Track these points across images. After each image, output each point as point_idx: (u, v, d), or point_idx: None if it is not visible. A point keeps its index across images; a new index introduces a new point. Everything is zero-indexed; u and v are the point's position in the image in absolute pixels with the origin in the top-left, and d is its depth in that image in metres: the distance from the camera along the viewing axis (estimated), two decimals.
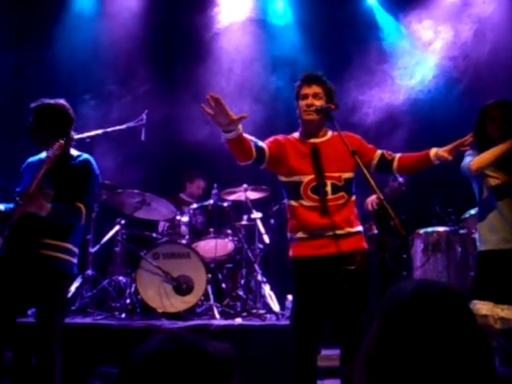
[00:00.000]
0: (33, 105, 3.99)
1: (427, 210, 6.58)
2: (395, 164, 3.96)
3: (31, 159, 4.16)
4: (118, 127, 6.30)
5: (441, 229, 6.11)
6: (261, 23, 8.52)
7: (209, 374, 1.23)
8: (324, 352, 5.00)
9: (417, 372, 1.33)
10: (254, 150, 3.70)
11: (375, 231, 6.48)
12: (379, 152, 4.00)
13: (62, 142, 3.80)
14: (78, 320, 5.51)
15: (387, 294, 1.46)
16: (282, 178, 3.93)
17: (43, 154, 4.01)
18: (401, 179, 4.86)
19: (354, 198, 3.92)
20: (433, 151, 3.87)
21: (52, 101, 4.00)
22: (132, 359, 1.25)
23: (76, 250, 3.97)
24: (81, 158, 4.00)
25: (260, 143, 3.79)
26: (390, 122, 7.99)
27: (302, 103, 3.86)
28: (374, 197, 5.96)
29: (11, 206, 3.92)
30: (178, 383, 1.21)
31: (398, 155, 3.99)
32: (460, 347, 1.35)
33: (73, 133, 4.06)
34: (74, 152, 4.05)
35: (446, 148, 3.86)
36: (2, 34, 7.46)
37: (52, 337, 3.78)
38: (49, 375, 3.74)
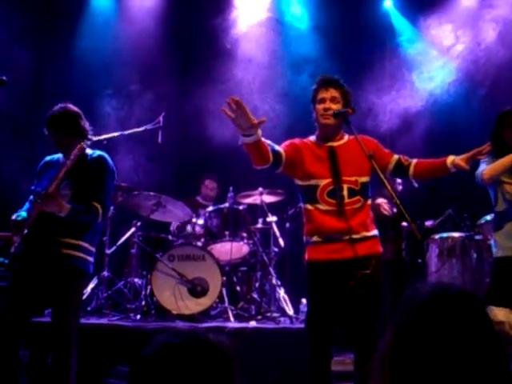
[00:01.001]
0: (53, 111, 4.06)
1: (442, 215, 6.56)
2: (411, 169, 3.95)
3: (48, 158, 4.22)
4: (135, 130, 6.33)
5: (456, 234, 6.09)
6: (279, 26, 8.54)
7: (213, 362, 1.27)
8: (337, 357, 5.00)
9: (432, 375, 1.33)
10: (270, 154, 3.70)
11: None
12: (396, 157, 3.99)
13: (82, 144, 3.88)
14: (94, 320, 5.56)
15: (404, 296, 1.46)
16: (299, 182, 3.93)
17: (60, 154, 4.12)
18: (415, 184, 4.85)
19: (369, 201, 3.92)
20: (450, 159, 3.85)
21: (62, 107, 4.07)
22: (140, 356, 1.28)
23: (93, 248, 4.04)
24: (95, 155, 4.07)
25: (277, 147, 3.79)
26: (407, 126, 7.98)
27: (320, 107, 3.84)
28: (380, 200, 5.98)
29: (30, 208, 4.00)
30: (184, 372, 1.24)
31: (414, 161, 3.98)
32: (477, 350, 1.35)
33: (85, 124, 4.13)
34: (88, 150, 4.10)
35: (463, 156, 3.83)
36: (24, 33, 7.51)
37: (68, 335, 3.82)
38: (64, 374, 3.78)
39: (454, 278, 5.93)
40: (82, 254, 3.93)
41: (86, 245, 3.96)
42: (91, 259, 4.02)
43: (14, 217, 3.95)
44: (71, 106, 4.12)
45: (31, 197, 4.13)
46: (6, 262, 3.94)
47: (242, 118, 3.36)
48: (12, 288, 3.91)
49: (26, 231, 3.90)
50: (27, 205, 4.13)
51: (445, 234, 6.15)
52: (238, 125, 3.40)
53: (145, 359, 1.27)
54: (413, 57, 8.36)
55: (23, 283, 3.87)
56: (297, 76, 8.05)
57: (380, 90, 8.07)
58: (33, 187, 4.17)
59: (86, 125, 4.14)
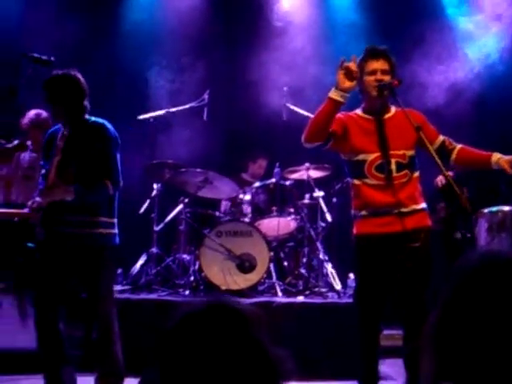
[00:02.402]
0: (49, 78, 3.90)
1: (493, 189, 6.43)
2: (454, 155, 3.87)
3: (51, 131, 4.13)
4: (180, 107, 6.37)
5: (506, 208, 5.96)
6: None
7: (234, 328, 1.27)
8: (386, 331, 4.98)
9: (484, 349, 1.31)
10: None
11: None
12: (441, 138, 3.91)
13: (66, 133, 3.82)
14: (144, 296, 5.64)
15: (455, 266, 1.44)
16: (346, 157, 3.90)
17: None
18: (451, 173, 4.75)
19: (417, 174, 3.87)
20: (495, 157, 3.76)
21: (60, 72, 3.91)
22: (164, 329, 1.30)
23: (113, 220, 3.98)
24: (95, 125, 3.95)
25: None
26: (458, 99, 7.81)
27: (371, 78, 3.77)
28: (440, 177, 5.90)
29: None
30: (207, 340, 1.24)
31: (458, 146, 3.90)
32: None
33: (87, 102, 3.97)
34: (88, 119, 3.98)
35: (508, 158, 3.73)
36: (72, 8, 7.57)
37: (105, 312, 3.88)
38: (107, 348, 3.86)
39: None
40: (101, 230, 3.90)
41: (104, 219, 3.91)
42: (114, 231, 3.99)
43: (29, 203, 3.92)
44: (81, 79, 3.95)
45: (42, 171, 4.05)
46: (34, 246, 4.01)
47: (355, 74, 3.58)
48: (41, 274, 3.91)
49: (41, 216, 3.88)
50: (41, 182, 4.04)
51: (494, 208, 6.02)
52: (351, 77, 3.57)
53: (168, 332, 1.29)
54: (462, 27, 8.14)
55: (51, 268, 3.86)
56: (345, 46, 7.91)
57: (428, 63, 7.89)
58: (41, 163, 4.13)
59: (88, 103, 4.00)
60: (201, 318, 1.29)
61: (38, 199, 3.86)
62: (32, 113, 5.78)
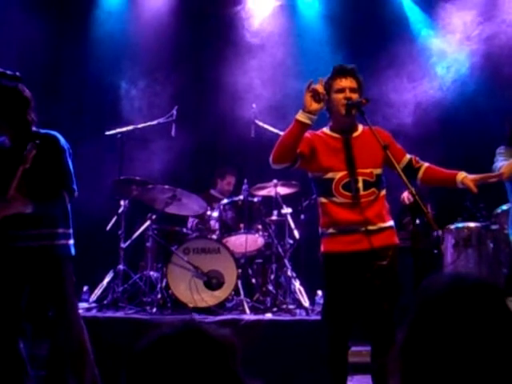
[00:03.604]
0: None
1: (458, 206, 6.51)
2: (420, 174, 3.91)
3: None
4: (148, 123, 6.35)
5: (472, 224, 6.05)
6: (290, 11, 8.50)
7: (207, 352, 1.25)
8: (354, 348, 4.99)
9: (449, 368, 1.32)
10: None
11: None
12: (408, 157, 3.95)
13: (35, 145, 3.63)
14: (110, 314, 5.58)
15: (421, 287, 1.45)
16: (313, 175, 3.91)
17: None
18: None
19: (384, 192, 3.89)
20: (460, 176, 3.79)
21: (3, 82, 3.76)
22: (135, 350, 1.29)
23: (69, 231, 3.89)
24: (47, 136, 3.83)
25: None
26: (421, 117, 7.90)
27: (339, 96, 3.78)
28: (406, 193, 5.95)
29: None
30: (179, 364, 1.23)
31: (425, 165, 3.93)
32: (496, 342, 1.33)
33: (33, 114, 3.83)
34: (37, 131, 3.85)
35: (473, 177, 3.77)
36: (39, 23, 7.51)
37: (74, 323, 3.80)
38: (83, 360, 3.79)
39: (470, 268, 5.90)
40: (61, 241, 3.82)
41: (61, 230, 3.83)
42: (71, 241, 3.90)
43: None
44: (25, 90, 3.81)
45: None
46: None
47: (322, 97, 3.59)
48: None
49: None
50: None
51: (460, 224, 6.12)
52: (318, 100, 3.58)
53: (139, 353, 1.27)
54: (431, 45, 8.25)
55: (5, 285, 3.74)
56: (309, 65, 7.97)
57: (396, 81, 7.99)
58: None
59: (34, 115, 3.85)
60: (176, 343, 1.27)
61: None
62: None
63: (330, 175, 3.79)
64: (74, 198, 3.84)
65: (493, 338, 1.33)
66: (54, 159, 3.77)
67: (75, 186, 3.81)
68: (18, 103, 3.75)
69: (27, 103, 3.79)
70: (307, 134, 3.84)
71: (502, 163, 4.33)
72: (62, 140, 3.85)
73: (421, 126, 7.73)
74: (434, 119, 7.86)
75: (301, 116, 3.60)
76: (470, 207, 6.35)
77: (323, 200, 3.85)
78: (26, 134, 3.75)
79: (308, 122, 3.60)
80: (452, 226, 6.13)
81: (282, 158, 3.73)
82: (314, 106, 3.58)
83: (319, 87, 3.57)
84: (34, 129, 3.83)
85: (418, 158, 3.96)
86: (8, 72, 3.78)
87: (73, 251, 3.91)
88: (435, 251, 6.36)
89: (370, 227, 3.74)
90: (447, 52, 8.11)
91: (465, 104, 7.76)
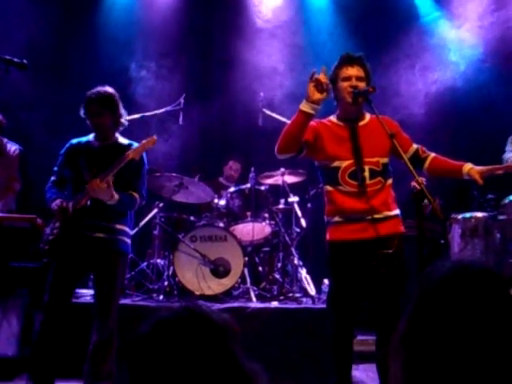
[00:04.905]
0: (92, 92, 4.12)
1: (466, 195, 6.49)
2: (427, 164, 3.91)
3: (75, 141, 4.28)
4: (155, 111, 6.35)
5: (479, 214, 6.03)
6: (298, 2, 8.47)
7: (206, 335, 1.26)
8: (360, 337, 5.01)
9: (451, 353, 1.32)
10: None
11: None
12: (415, 146, 3.94)
13: (153, 139, 4.12)
14: None
15: (424, 273, 1.45)
16: (319, 164, 3.92)
17: (90, 137, 4.23)
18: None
19: (390, 181, 3.89)
20: (466, 168, 3.78)
21: (109, 89, 4.15)
22: (136, 334, 1.30)
23: (130, 231, 4.23)
24: (133, 147, 4.15)
25: None
26: (430, 107, 7.88)
27: (345, 85, 3.78)
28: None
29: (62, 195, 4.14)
30: (179, 347, 1.24)
31: (431, 156, 3.93)
32: (498, 331, 1.33)
33: (123, 119, 4.26)
34: (124, 140, 4.23)
35: (479, 169, 3.76)
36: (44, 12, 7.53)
37: (112, 315, 4.00)
38: (109, 350, 3.94)
39: (476, 258, 5.87)
40: (125, 238, 4.14)
41: (127, 229, 4.18)
42: (129, 241, 4.22)
43: (57, 202, 4.04)
44: (113, 91, 4.19)
45: (53, 178, 4.26)
46: (45, 247, 4.06)
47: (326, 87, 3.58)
48: (56, 274, 3.99)
49: (69, 217, 4.01)
50: (52, 187, 4.22)
51: (468, 214, 6.09)
52: (321, 90, 3.57)
53: (140, 337, 1.28)
54: (440, 34, 8.19)
55: (69, 269, 4.00)
56: (325, 52, 7.93)
57: (403, 70, 7.97)
58: (55, 168, 4.28)
59: (123, 111, 4.25)
60: (175, 326, 1.28)
61: (63, 200, 4.03)
62: None
63: (336, 164, 3.79)
64: (141, 205, 4.23)
65: (494, 327, 1.33)
66: (137, 168, 4.14)
67: (146, 194, 4.21)
68: (118, 108, 4.18)
69: (118, 102, 4.19)
70: (313, 123, 3.84)
71: (510, 154, 4.31)
72: (145, 154, 4.23)
73: (431, 116, 7.72)
74: (445, 108, 7.83)
75: (304, 106, 3.61)
76: (477, 197, 6.32)
77: (329, 188, 3.85)
78: (114, 137, 4.21)
79: (311, 111, 3.60)
80: (459, 216, 6.10)
81: (287, 149, 3.74)
82: (317, 95, 3.58)
83: (322, 77, 3.56)
84: (119, 140, 4.24)
85: (424, 148, 3.95)
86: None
87: (130, 250, 4.25)
88: (442, 241, 6.35)
89: (376, 215, 3.74)
90: (459, 40, 8.06)
91: (477, 92, 7.71)
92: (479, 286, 1.36)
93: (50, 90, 7.37)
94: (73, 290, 4.12)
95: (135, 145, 4.16)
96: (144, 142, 4.08)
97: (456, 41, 8.08)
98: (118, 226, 4.09)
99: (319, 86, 3.56)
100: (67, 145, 4.29)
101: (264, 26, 8.31)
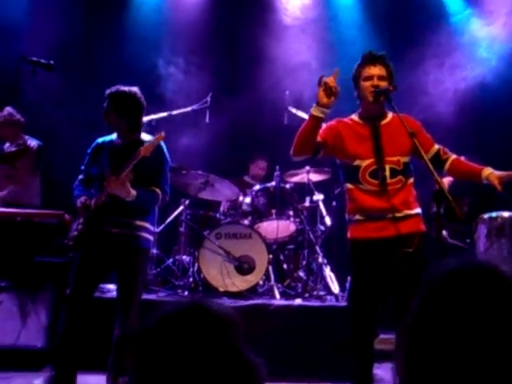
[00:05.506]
0: (108, 91, 4.19)
1: (493, 194, 6.43)
2: (447, 165, 3.90)
3: (100, 140, 4.37)
4: (182, 110, 6.41)
5: (505, 214, 5.95)
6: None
7: (211, 331, 1.28)
8: (383, 335, 5.00)
9: (453, 349, 1.33)
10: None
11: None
12: (436, 147, 3.93)
13: (161, 136, 4.11)
14: (143, 296, 5.66)
15: (430, 270, 1.46)
16: (340, 162, 3.94)
17: (113, 136, 4.30)
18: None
19: (411, 180, 3.89)
20: (485, 172, 3.78)
21: (126, 88, 4.19)
22: (142, 329, 1.32)
23: (152, 228, 4.31)
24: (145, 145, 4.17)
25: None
26: (457, 104, 7.80)
27: (367, 84, 3.80)
28: (445, 179, 5.89)
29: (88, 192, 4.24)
30: (183, 341, 1.26)
31: (452, 157, 3.92)
32: (502, 327, 1.34)
33: (144, 119, 4.34)
34: (146, 137, 4.27)
35: (499, 174, 3.76)
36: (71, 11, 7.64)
37: (133, 310, 4.06)
38: (128, 349, 3.96)
39: (503, 258, 5.80)
40: (146, 235, 4.19)
41: (149, 225, 4.22)
42: (152, 238, 4.31)
43: (82, 199, 4.14)
44: (140, 94, 4.24)
45: (80, 176, 4.35)
46: (70, 243, 4.16)
47: (335, 90, 3.58)
48: (79, 268, 4.10)
49: (91, 213, 4.10)
50: (79, 185, 4.32)
51: (494, 214, 6.02)
52: (329, 93, 3.57)
53: (146, 332, 1.31)
54: (469, 31, 8.10)
55: (91, 264, 4.10)
56: (344, 51, 7.91)
57: (431, 68, 7.90)
58: (82, 167, 4.37)
59: (144, 118, 4.34)
60: (179, 320, 1.31)
61: (87, 198, 4.13)
62: (6, 111, 5.89)
63: (357, 163, 3.80)
64: (165, 198, 4.26)
65: (498, 324, 1.34)
66: (158, 164, 4.18)
67: (168, 190, 4.25)
68: (138, 107, 4.21)
69: (143, 108, 4.24)
70: (334, 122, 3.88)
71: None
72: (166, 150, 4.30)
73: (460, 114, 7.64)
74: (475, 105, 7.75)
75: (314, 110, 3.65)
76: (504, 196, 6.25)
77: (350, 186, 3.87)
78: (136, 135, 4.23)
79: (321, 115, 3.63)
80: (485, 216, 6.02)
81: (301, 151, 3.78)
82: (326, 100, 3.59)
83: (331, 80, 3.56)
84: (142, 137, 4.27)
85: (446, 149, 3.95)
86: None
87: (151, 247, 4.37)
88: (467, 240, 6.29)
89: (397, 214, 3.74)
90: (489, 37, 7.96)
91: (508, 87, 7.61)
92: (484, 284, 1.38)
93: (79, 88, 7.47)
94: (95, 285, 4.18)
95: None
96: (153, 138, 4.12)
97: (486, 38, 7.98)
98: (139, 223, 4.13)
99: (328, 90, 3.57)
100: (93, 144, 4.38)
101: (291, 23, 8.30)
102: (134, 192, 3.97)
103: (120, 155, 4.11)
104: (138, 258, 4.14)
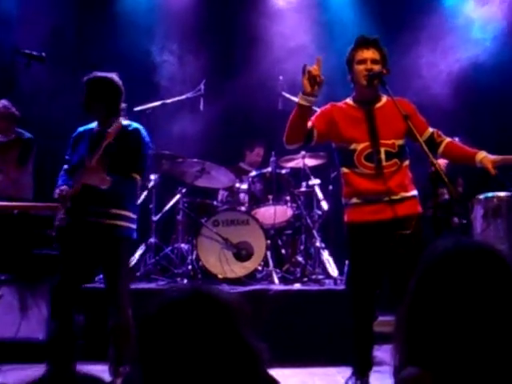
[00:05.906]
0: (85, 78, 4.13)
1: (488, 175, 6.44)
2: (441, 148, 3.93)
3: (81, 129, 4.32)
4: (176, 98, 6.40)
5: (502, 194, 5.96)
6: None
7: (215, 317, 1.29)
8: (382, 317, 5.03)
9: (451, 328, 1.35)
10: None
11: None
12: (430, 130, 3.95)
13: (120, 122, 4.00)
14: (142, 285, 5.70)
15: (427, 250, 1.48)
16: (336, 146, 3.96)
17: (94, 124, 4.24)
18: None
19: (407, 162, 3.91)
20: (479, 156, 3.81)
21: (103, 74, 4.14)
22: (145, 315, 1.33)
23: (135, 216, 4.20)
24: (131, 128, 4.16)
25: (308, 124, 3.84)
26: (451, 85, 7.80)
27: (360, 67, 3.81)
28: (440, 160, 5.90)
29: (70, 182, 4.14)
30: (186, 327, 1.27)
31: (446, 140, 3.94)
32: (497, 306, 1.35)
33: (123, 104, 4.21)
34: (124, 121, 4.17)
35: (493, 158, 3.79)
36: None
37: (122, 297, 4.05)
38: (126, 335, 3.97)
39: (500, 238, 5.81)
40: (125, 223, 4.10)
41: (128, 213, 4.13)
42: (134, 226, 4.19)
43: (57, 190, 4.07)
44: (118, 80, 4.18)
45: (65, 166, 4.29)
46: (53, 233, 4.15)
47: (319, 77, 3.58)
48: (63, 259, 4.11)
49: (69, 205, 4.05)
50: (63, 175, 4.26)
51: (490, 194, 6.03)
52: (314, 81, 3.57)
53: (148, 318, 1.32)
54: (461, 14, 8.08)
55: (73, 254, 4.06)
56: (337, 37, 7.89)
57: (424, 51, 7.88)
58: (67, 157, 4.32)
59: (123, 104, 4.23)
60: (182, 306, 1.31)
61: (65, 188, 4.04)
62: (1, 104, 5.89)
63: (352, 146, 3.82)
64: (144, 183, 4.33)
65: (493, 303, 1.35)
66: (135, 148, 4.10)
67: (147, 175, 4.18)
68: (115, 93, 4.15)
69: (121, 94, 4.17)
70: (327, 106, 3.90)
71: None
72: (146, 134, 4.20)
73: (454, 95, 7.64)
74: (468, 85, 7.74)
75: (300, 99, 3.67)
76: (499, 179, 6.26)
77: (345, 170, 3.89)
78: (115, 121, 4.07)
79: (307, 104, 3.66)
80: (481, 196, 6.04)
81: (293, 139, 3.81)
82: (310, 89, 3.60)
83: (314, 69, 3.57)
84: (122, 122, 4.13)
85: (440, 133, 3.96)
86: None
87: (134, 235, 4.22)
88: (464, 221, 6.32)
89: (393, 197, 3.77)
90: (483, 18, 7.94)
91: (502, 66, 7.61)
92: (480, 263, 1.39)
93: (73, 78, 7.44)
94: (81, 276, 4.14)
95: (134, 126, 4.16)
96: (114, 127, 4.01)
97: (481, 18, 7.96)
98: (115, 211, 4.06)
99: (311, 78, 3.57)
100: (75, 132, 4.33)
101: (284, 10, 8.27)
102: (108, 179, 3.91)
103: (96, 143, 4.04)
104: (117, 247, 4.07)
